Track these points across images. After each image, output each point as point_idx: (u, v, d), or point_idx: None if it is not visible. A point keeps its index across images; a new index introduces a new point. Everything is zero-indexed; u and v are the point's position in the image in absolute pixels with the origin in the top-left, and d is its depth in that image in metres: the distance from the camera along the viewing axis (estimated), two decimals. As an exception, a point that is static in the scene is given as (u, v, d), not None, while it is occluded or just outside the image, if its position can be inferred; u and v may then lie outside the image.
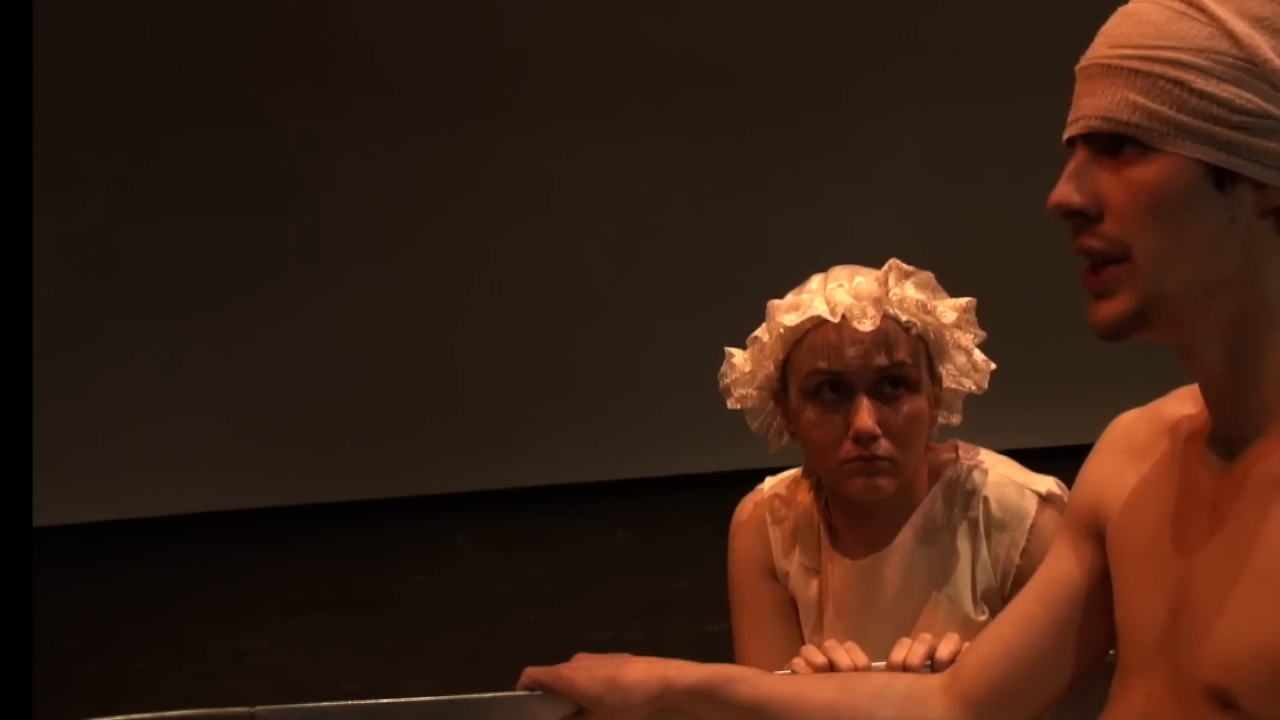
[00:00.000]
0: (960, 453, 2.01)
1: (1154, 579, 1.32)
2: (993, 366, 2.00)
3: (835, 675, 1.72)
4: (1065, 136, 1.28)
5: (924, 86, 7.88)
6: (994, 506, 1.96)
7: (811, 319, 1.91)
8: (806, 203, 7.83)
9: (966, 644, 1.63)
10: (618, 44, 7.73)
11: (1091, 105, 1.25)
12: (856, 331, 1.89)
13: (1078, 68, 1.28)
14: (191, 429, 7.55)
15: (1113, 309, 1.25)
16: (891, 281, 1.92)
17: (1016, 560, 1.94)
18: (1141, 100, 1.22)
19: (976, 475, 1.98)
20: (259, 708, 1.60)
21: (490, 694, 1.62)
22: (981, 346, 1.99)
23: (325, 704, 1.62)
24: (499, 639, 5.40)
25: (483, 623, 5.71)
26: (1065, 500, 1.92)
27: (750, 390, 2.01)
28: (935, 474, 2.00)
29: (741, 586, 2.08)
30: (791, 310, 1.93)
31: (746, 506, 2.11)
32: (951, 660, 1.71)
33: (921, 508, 1.98)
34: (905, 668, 1.73)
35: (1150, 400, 1.45)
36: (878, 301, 1.90)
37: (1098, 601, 1.43)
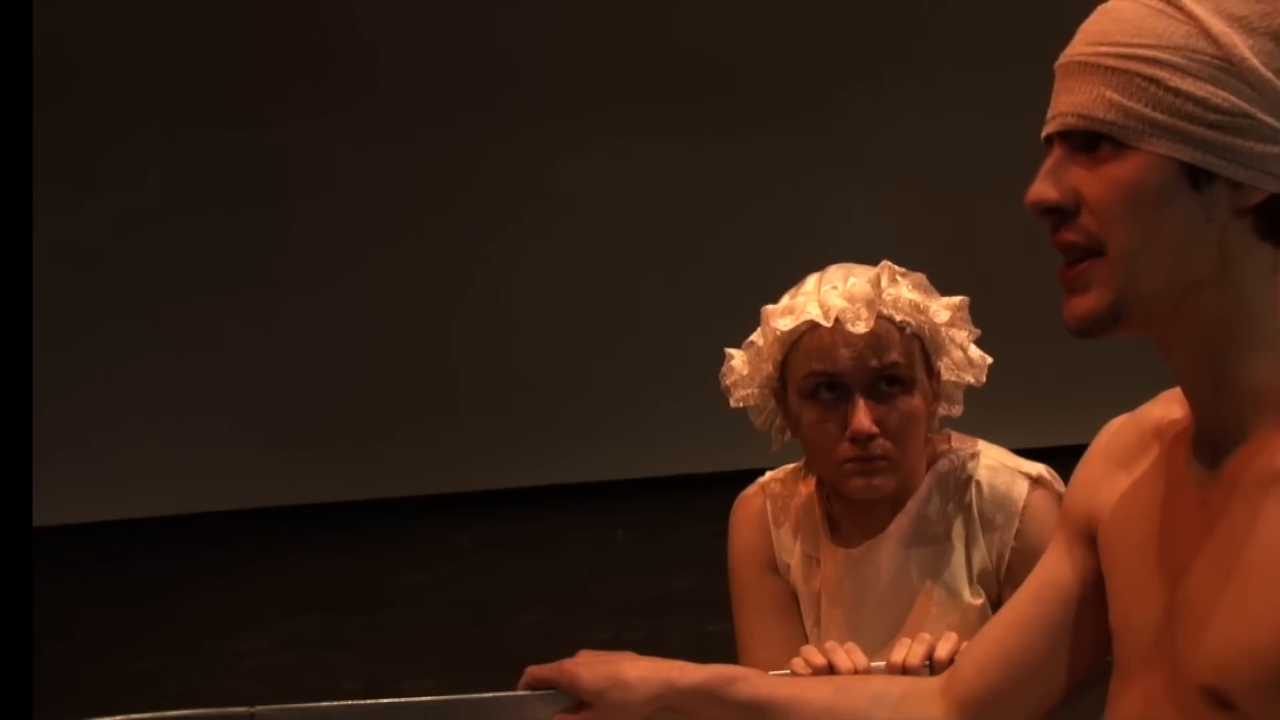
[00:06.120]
0: (953, 441, 2.03)
1: (1147, 582, 1.32)
2: (989, 360, 2.01)
3: (835, 678, 1.72)
4: (1043, 134, 1.28)
5: (922, 87, 7.89)
6: (985, 491, 1.97)
7: (806, 323, 1.93)
8: (806, 203, 7.84)
9: (964, 645, 1.63)
10: (619, 45, 7.73)
11: (1068, 102, 1.25)
12: (850, 334, 1.90)
13: (1056, 65, 1.28)
14: (191, 429, 7.55)
15: (1085, 304, 1.25)
16: (884, 282, 1.93)
17: (1010, 543, 1.95)
18: (1117, 98, 1.21)
19: (969, 462, 1.99)
20: (259, 708, 1.60)
21: (490, 694, 1.62)
22: (979, 345, 2.00)
23: (325, 704, 1.61)
24: (499, 639, 5.40)
25: (483, 623, 5.71)
26: (1056, 485, 1.95)
27: (751, 390, 2.02)
28: (930, 464, 2.01)
29: (742, 579, 2.09)
30: (786, 315, 1.95)
31: (746, 498, 2.11)
32: (950, 660, 1.71)
33: (915, 496, 1.99)
34: (905, 668, 1.74)
35: (1148, 399, 1.45)
36: (871, 303, 1.91)
37: (1093, 604, 1.43)
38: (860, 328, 1.90)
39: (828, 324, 1.91)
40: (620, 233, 7.86)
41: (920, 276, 1.96)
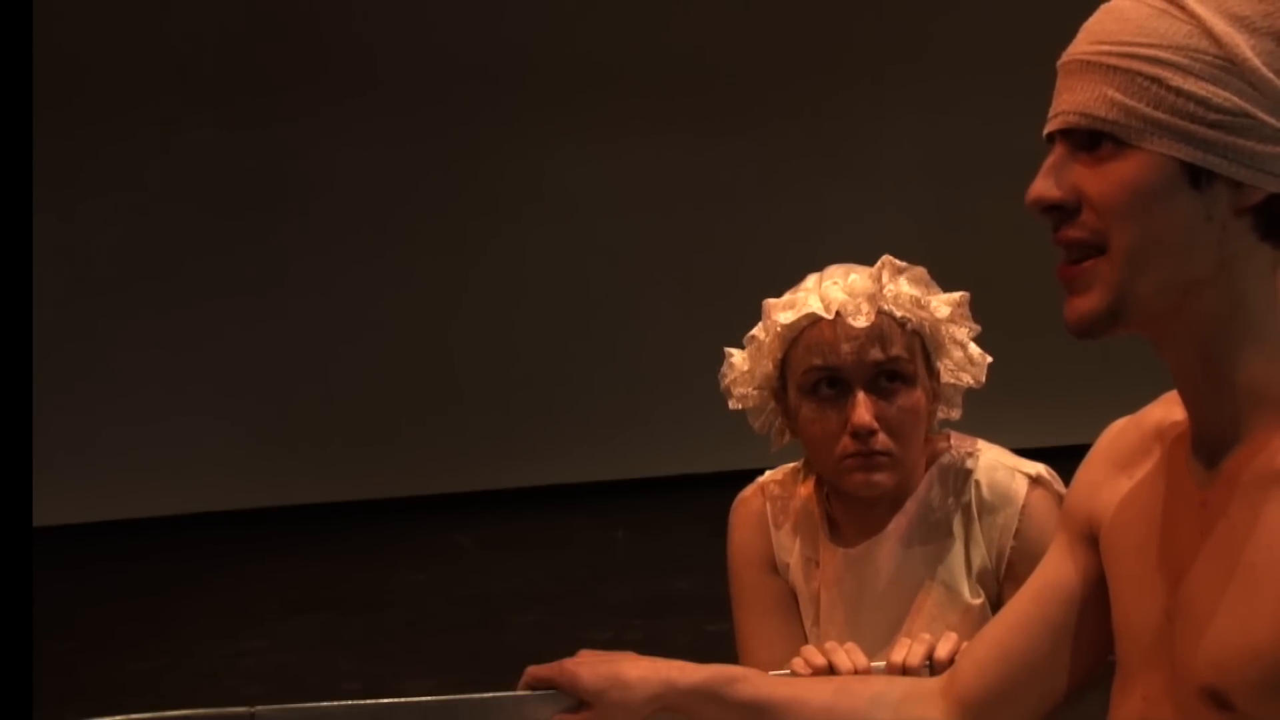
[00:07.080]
0: (953, 441, 2.03)
1: (1147, 583, 1.33)
2: (989, 359, 2.01)
3: (835, 678, 1.72)
4: (1045, 132, 1.28)
5: (922, 87, 7.88)
6: (985, 489, 1.98)
7: (807, 316, 1.93)
8: (806, 202, 7.83)
9: (965, 645, 1.63)
10: (618, 44, 7.73)
11: (1070, 101, 1.25)
12: (851, 327, 1.91)
13: (1059, 63, 1.28)
14: (191, 429, 7.55)
15: (1086, 304, 1.25)
16: (885, 278, 1.94)
17: (1010, 542, 1.96)
18: (1119, 97, 1.22)
19: (968, 461, 2.00)
20: (259, 708, 1.60)
21: (490, 694, 1.62)
22: (979, 343, 2.01)
23: (325, 704, 1.61)
24: (499, 639, 5.40)
25: (483, 623, 5.71)
26: (1055, 485, 1.95)
27: (750, 390, 2.02)
28: (929, 463, 2.01)
29: (741, 579, 2.09)
30: (787, 308, 1.95)
31: (745, 499, 2.11)
32: (950, 660, 1.71)
33: (914, 495, 2.00)
34: (905, 668, 1.74)
35: (1149, 399, 1.45)
36: (872, 298, 1.92)
37: (1093, 605, 1.43)
38: (861, 321, 1.90)
39: (828, 316, 1.91)
40: (619, 232, 7.85)
41: (921, 270, 1.97)
